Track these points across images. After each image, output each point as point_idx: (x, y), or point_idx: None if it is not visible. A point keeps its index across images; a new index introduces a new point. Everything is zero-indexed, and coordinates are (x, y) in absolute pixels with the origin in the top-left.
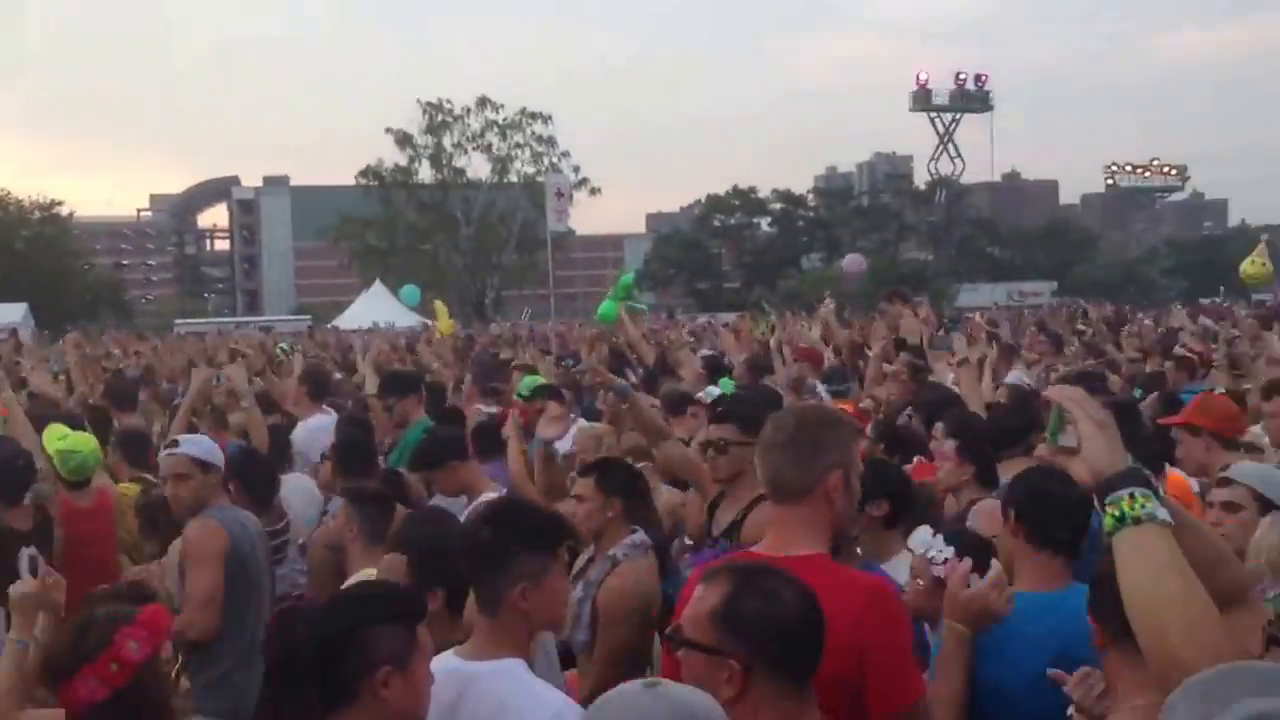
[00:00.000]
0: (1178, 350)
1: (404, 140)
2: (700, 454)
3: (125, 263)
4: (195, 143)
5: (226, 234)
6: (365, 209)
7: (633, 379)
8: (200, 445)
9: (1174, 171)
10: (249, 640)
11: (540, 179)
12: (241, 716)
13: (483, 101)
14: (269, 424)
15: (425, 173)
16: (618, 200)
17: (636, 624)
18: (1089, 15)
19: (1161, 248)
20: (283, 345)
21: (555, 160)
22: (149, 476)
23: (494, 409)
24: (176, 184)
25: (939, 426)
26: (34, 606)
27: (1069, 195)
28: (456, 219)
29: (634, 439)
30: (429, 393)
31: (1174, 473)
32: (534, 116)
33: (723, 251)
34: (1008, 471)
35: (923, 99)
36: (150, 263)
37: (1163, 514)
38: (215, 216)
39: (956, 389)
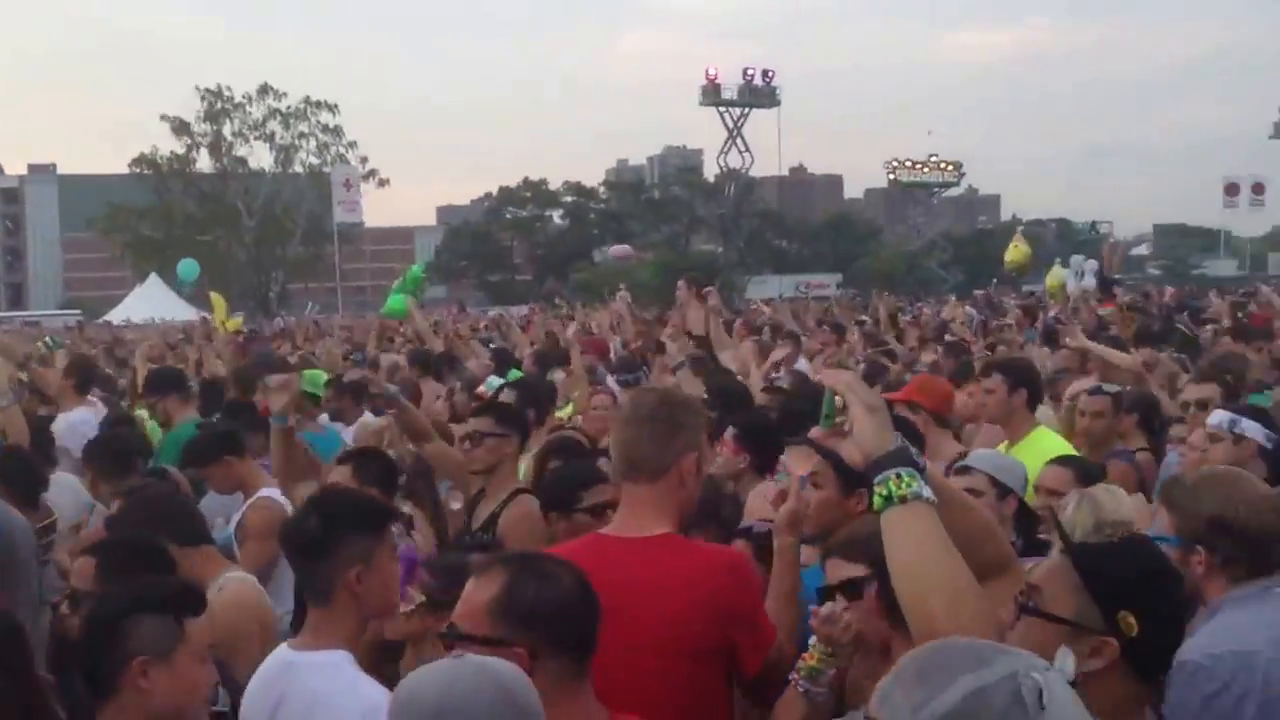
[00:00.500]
0: (948, 338)
1: (181, 128)
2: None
3: None
4: None
5: None
6: (139, 199)
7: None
8: None
9: (951, 168)
10: None
11: (326, 170)
12: None
13: (265, 89)
14: (39, 414)
15: (204, 162)
16: (407, 192)
17: None
18: (872, 16)
19: (940, 241)
20: (47, 340)
21: (342, 151)
22: None
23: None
24: None
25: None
26: None
27: (853, 190)
28: (238, 210)
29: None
30: (207, 390)
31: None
32: (319, 105)
33: (514, 244)
34: (794, 457)
35: (712, 93)
36: None
37: (927, 493)
38: None
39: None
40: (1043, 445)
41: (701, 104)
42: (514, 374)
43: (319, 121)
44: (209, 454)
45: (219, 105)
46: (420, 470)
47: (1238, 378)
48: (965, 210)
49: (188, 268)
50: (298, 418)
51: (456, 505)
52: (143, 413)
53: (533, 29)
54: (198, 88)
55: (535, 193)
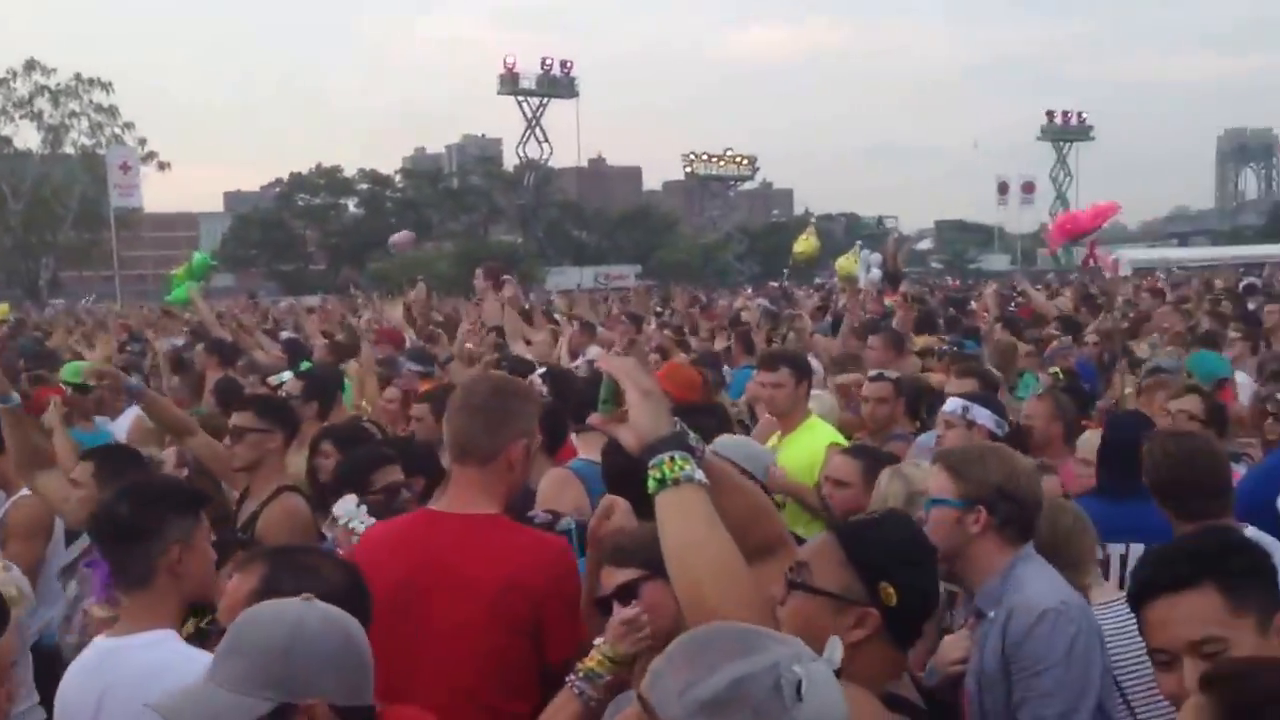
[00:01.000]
0: (740, 329)
1: None
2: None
3: None
4: None
5: None
6: None
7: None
8: None
9: (746, 162)
10: None
11: (100, 151)
12: None
13: (31, 64)
14: None
15: None
16: (192, 176)
17: None
18: (670, 9)
19: (735, 234)
20: None
21: (118, 131)
22: None
23: None
24: None
25: None
26: None
27: (651, 182)
28: (3, 193)
29: None
30: None
31: None
32: (92, 83)
33: (307, 232)
34: (584, 443)
35: (510, 83)
36: None
37: (699, 475)
38: None
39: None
40: (816, 434)
41: (500, 93)
42: (305, 366)
43: (92, 100)
44: None
45: None
46: (203, 467)
47: (1006, 365)
48: (760, 203)
49: None
50: (65, 411)
51: None
52: None
53: (328, 9)
54: None
55: (329, 180)
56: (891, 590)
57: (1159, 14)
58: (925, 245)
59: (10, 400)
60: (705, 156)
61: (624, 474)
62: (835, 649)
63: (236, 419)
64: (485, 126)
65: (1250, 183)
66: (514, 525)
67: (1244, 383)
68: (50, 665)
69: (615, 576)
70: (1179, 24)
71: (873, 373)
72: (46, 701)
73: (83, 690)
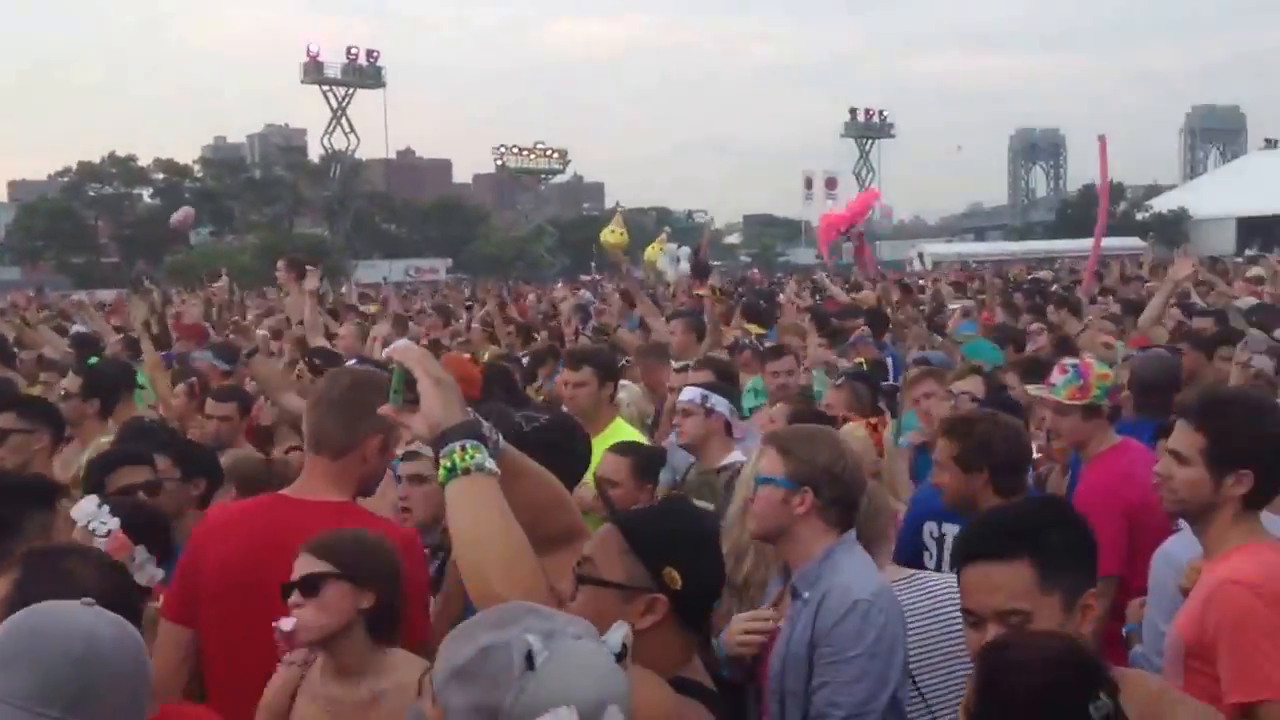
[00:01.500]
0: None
1: None
2: None
3: None
4: None
5: None
6: None
7: None
8: None
9: (557, 155)
10: None
11: None
12: None
13: None
14: None
15: None
16: None
17: None
18: (479, 1)
19: (547, 227)
20: None
21: None
22: None
23: None
24: None
25: None
26: None
27: (462, 174)
28: None
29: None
30: None
31: None
32: None
33: (99, 223)
34: None
35: (315, 71)
36: None
37: (490, 465)
38: None
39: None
40: (620, 437)
41: (303, 82)
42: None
43: None
44: None
45: None
46: None
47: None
48: (571, 197)
49: None
50: None
51: None
52: None
53: None
54: None
55: (122, 169)
56: (676, 574)
57: (957, 16)
58: (734, 239)
59: None
60: (516, 149)
61: None
62: (616, 632)
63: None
64: (289, 116)
65: (1040, 181)
66: (363, 513)
67: None
68: None
69: (308, 565)
70: (974, 26)
71: (677, 365)
72: None
73: None
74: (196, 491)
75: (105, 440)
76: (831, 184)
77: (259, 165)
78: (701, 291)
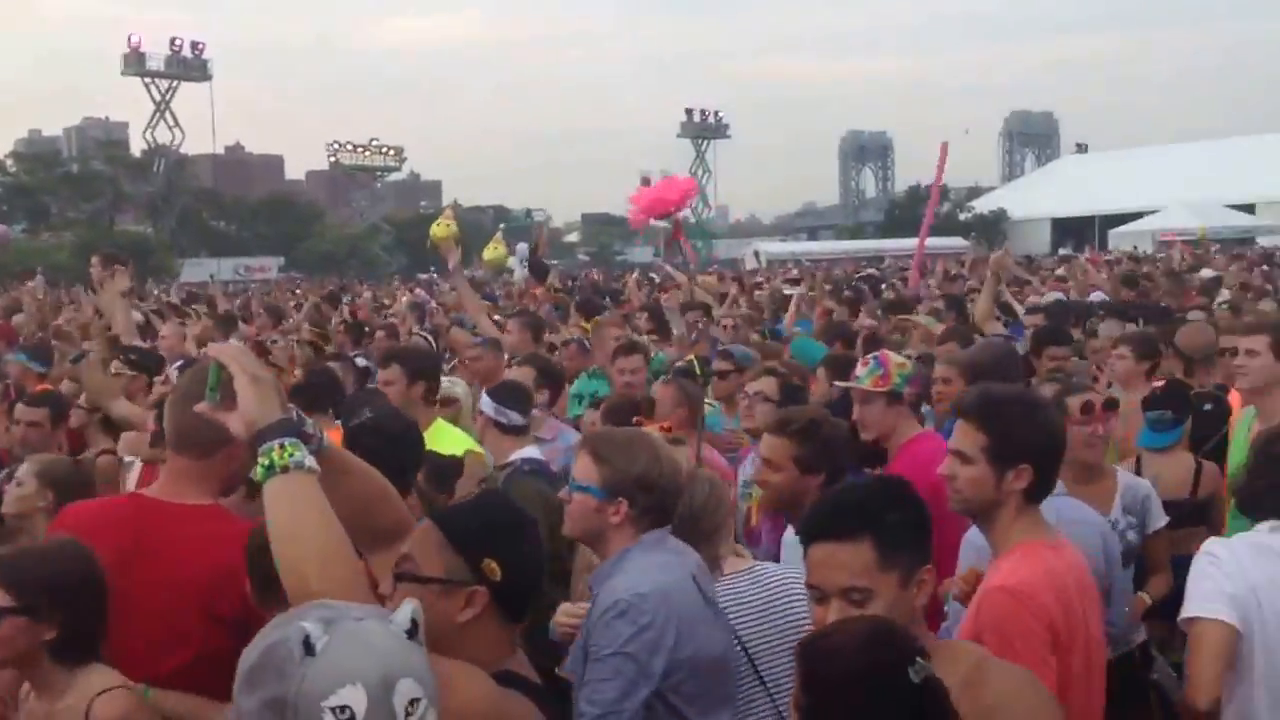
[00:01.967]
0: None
1: None
2: None
3: None
4: None
5: None
6: None
7: None
8: None
9: (393, 152)
10: None
11: None
12: None
13: None
14: None
15: None
16: None
17: None
18: None
19: (382, 224)
20: None
21: None
22: None
23: None
24: None
25: None
26: None
27: (294, 171)
28: None
29: None
30: None
31: None
32: None
33: None
34: None
35: (136, 63)
36: None
37: (310, 462)
38: None
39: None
40: (440, 440)
41: (124, 74)
42: None
43: None
44: None
45: None
46: None
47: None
48: (408, 195)
49: None
50: None
51: None
52: None
53: None
54: None
55: None
56: (495, 565)
57: (795, 21)
58: (573, 238)
59: None
60: (350, 146)
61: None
62: (404, 609)
63: None
64: (109, 109)
65: (870, 181)
66: (228, 515)
67: None
68: None
69: None
70: (812, 30)
71: (517, 358)
72: None
73: None
74: None
75: None
76: None
77: (76, 160)
78: (538, 291)
